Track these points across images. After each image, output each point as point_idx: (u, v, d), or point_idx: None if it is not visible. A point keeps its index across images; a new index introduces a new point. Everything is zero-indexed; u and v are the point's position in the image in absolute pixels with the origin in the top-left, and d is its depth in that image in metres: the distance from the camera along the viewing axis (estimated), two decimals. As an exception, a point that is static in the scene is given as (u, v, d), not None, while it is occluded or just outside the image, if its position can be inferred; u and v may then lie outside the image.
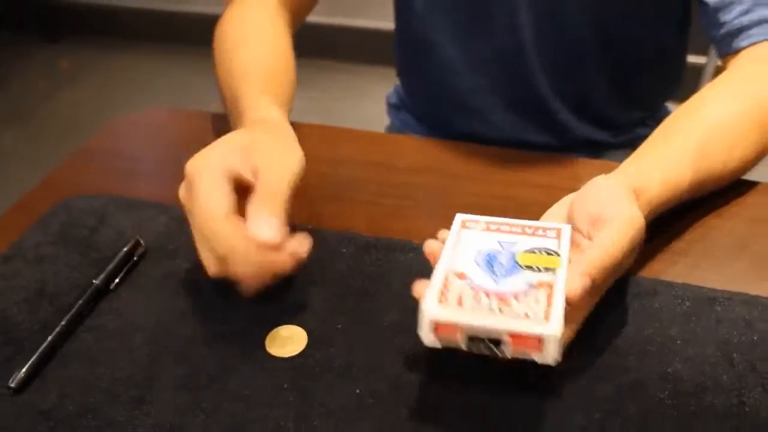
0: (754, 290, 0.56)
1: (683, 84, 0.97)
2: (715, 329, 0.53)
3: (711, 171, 0.62)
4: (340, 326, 0.54)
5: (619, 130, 0.94)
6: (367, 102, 1.83)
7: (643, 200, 0.55)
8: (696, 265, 0.59)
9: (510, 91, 0.89)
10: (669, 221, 0.61)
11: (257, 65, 0.70)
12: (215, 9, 0.83)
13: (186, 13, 2.53)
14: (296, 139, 0.59)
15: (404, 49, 0.98)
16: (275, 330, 0.53)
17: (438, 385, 0.50)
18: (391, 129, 1.07)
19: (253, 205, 0.51)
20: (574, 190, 0.55)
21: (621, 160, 0.62)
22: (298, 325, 0.54)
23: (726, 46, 0.70)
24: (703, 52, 1.05)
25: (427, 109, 0.99)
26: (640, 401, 0.48)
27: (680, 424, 0.47)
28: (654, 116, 0.97)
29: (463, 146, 0.75)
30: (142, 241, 0.60)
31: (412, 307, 0.45)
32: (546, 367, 0.43)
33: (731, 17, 0.69)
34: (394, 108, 1.07)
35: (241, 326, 0.54)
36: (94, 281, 0.57)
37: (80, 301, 0.55)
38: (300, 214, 0.56)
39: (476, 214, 0.52)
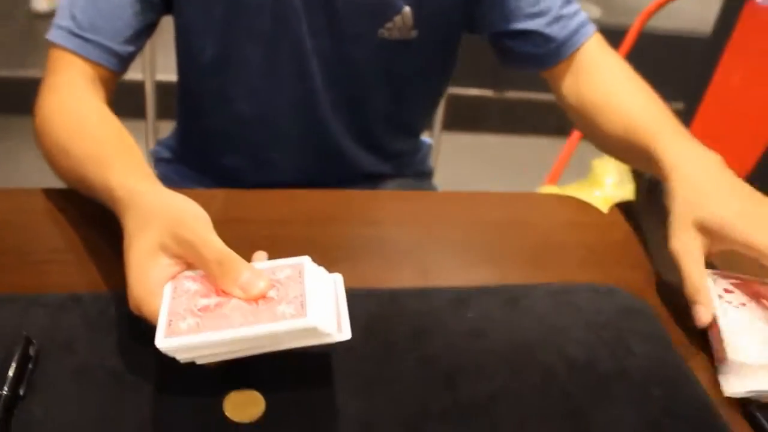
0: (587, 280, 0.70)
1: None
2: (577, 314, 0.65)
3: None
4: (288, 382, 0.55)
5: (393, 159, 1.04)
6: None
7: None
8: (518, 266, 0.71)
9: (302, 138, 0.94)
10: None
11: (108, 145, 0.69)
12: None
13: None
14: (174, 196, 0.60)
15: (191, 105, 0.98)
16: (228, 397, 0.53)
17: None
18: (165, 183, 1.05)
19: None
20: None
21: (396, 188, 0.78)
22: (245, 388, 0.54)
23: (552, 58, 0.87)
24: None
25: (213, 162, 0.99)
26: (556, 382, 0.58)
27: (595, 390, 0.57)
28: (416, 145, 1.09)
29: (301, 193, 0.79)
30: (33, 340, 0.54)
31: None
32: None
33: (556, 32, 0.85)
34: (164, 162, 1.06)
35: (188, 403, 0.52)
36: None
37: (-3, 417, 0.48)
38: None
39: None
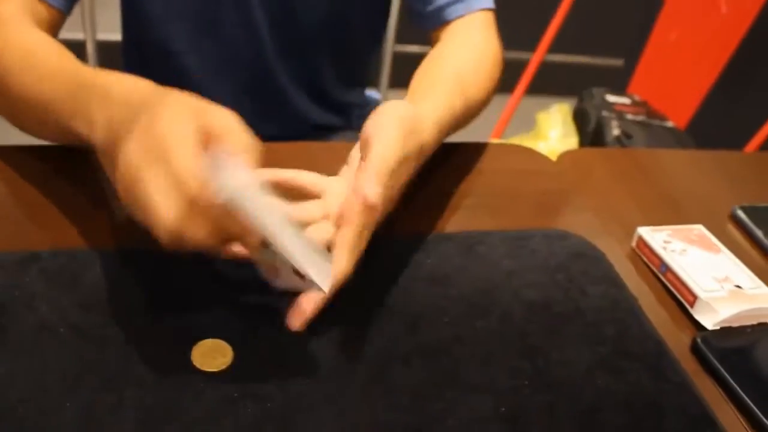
0: (539, 226, 0.72)
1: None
2: (531, 258, 0.67)
3: (469, 102, 0.75)
4: (250, 332, 0.56)
5: (341, 110, 1.05)
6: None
7: (419, 138, 0.62)
8: (473, 213, 0.73)
9: (249, 90, 0.94)
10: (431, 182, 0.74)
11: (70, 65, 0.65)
12: None
13: None
14: None
15: (135, 58, 0.96)
16: (195, 347, 0.53)
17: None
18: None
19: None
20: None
21: (348, 140, 0.76)
22: (212, 337, 0.54)
23: (435, 19, 0.87)
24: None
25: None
26: (514, 323, 0.60)
27: (551, 330, 0.60)
28: (363, 97, 1.10)
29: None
30: (-7, 297, 0.54)
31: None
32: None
33: None
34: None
35: (155, 355, 0.53)
36: (-39, 351, 0.49)
37: (-40, 376, 0.48)
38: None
39: None
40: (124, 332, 0.54)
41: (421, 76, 0.76)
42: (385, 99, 1.38)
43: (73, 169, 0.68)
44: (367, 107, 1.13)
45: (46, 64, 0.65)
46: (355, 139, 1.05)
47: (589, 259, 0.68)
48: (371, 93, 1.16)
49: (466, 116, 0.76)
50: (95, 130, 0.56)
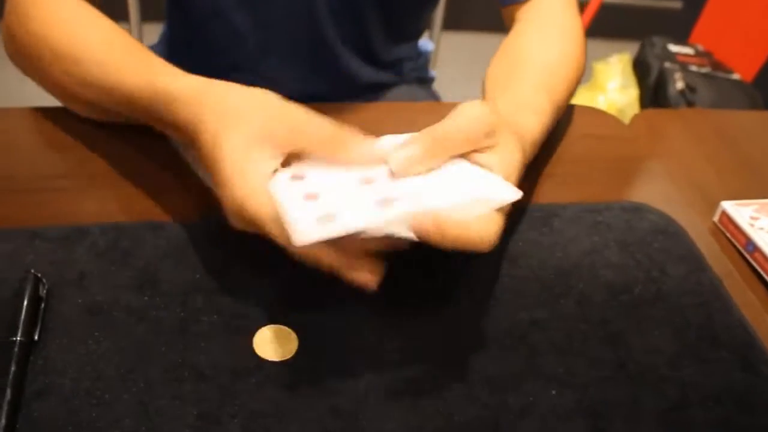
0: (614, 197, 0.67)
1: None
2: (609, 234, 0.62)
3: (558, 104, 0.68)
4: (316, 318, 0.52)
5: (392, 66, 0.99)
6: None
7: (527, 143, 0.59)
8: (544, 183, 0.68)
9: (298, 47, 0.90)
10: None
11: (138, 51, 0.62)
12: None
13: None
14: None
15: (183, 19, 0.92)
16: (257, 334, 0.50)
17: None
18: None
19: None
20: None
21: (397, 97, 0.74)
22: (276, 324, 0.51)
23: None
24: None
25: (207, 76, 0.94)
26: (593, 308, 0.56)
27: (632, 316, 0.55)
28: (415, 50, 1.04)
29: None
30: (44, 279, 0.51)
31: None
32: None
33: None
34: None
35: (215, 340, 0.49)
36: (13, 338, 0.46)
37: (13, 366, 0.45)
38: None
39: None
40: (180, 315, 0.51)
41: (506, 76, 0.68)
42: (438, 45, 1.32)
43: (124, 135, 0.64)
44: (419, 59, 1.07)
45: (113, 45, 0.62)
46: (408, 94, 1.01)
47: (669, 235, 0.63)
48: (423, 42, 1.10)
49: (554, 122, 0.69)
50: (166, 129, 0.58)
